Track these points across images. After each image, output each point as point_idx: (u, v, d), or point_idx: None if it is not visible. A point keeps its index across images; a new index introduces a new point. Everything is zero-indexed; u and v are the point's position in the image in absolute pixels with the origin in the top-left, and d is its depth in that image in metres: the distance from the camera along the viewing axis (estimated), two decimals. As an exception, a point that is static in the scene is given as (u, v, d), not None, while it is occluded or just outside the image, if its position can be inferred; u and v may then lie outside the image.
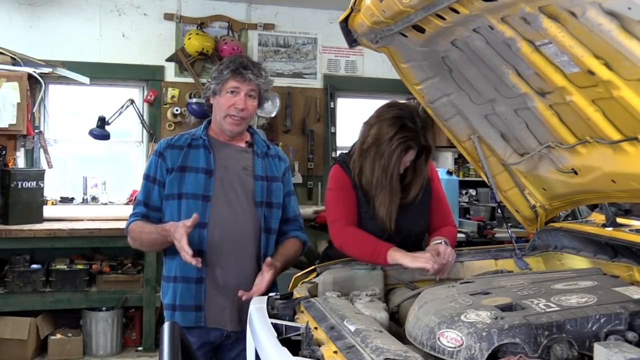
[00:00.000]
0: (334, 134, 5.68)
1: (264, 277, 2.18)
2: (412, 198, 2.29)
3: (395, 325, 1.80)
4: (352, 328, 1.49)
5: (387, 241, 2.18)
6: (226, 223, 2.23)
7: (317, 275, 2.10)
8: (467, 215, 5.46)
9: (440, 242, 2.17)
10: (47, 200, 4.74)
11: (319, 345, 1.46)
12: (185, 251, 2.04)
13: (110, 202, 5.08)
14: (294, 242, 2.40)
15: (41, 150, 4.93)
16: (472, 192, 5.71)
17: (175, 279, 2.26)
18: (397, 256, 2.09)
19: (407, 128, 2.15)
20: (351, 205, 2.30)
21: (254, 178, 2.30)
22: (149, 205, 2.30)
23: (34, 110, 4.85)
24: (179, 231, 2.07)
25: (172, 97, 5.26)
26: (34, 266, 4.40)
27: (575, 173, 2.01)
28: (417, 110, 2.23)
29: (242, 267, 2.24)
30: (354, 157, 2.29)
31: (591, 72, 1.49)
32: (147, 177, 2.31)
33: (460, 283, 1.75)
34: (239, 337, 2.21)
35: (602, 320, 1.37)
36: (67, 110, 5.26)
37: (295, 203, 2.48)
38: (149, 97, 5.21)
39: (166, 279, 2.32)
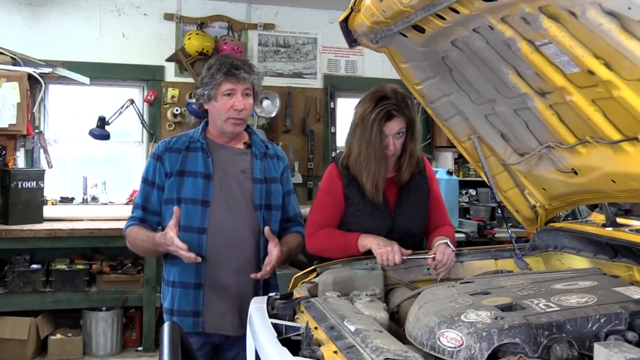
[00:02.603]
0: (334, 134, 5.68)
1: (273, 253, 2.18)
2: (404, 178, 2.31)
3: (395, 325, 1.80)
4: (352, 328, 1.49)
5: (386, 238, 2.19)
6: (226, 228, 2.22)
7: (317, 275, 2.09)
8: (467, 215, 5.45)
9: (445, 242, 2.19)
10: (47, 200, 4.74)
11: (319, 345, 1.46)
12: (181, 247, 2.07)
13: (110, 202, 5.08)
14: (296, 236, 2.40)
15: (41, 150, 4.93)
16: (472, 192, 5.71)
17: (174, 284, 2.26)
18: (367, 242, 2.16)
19: (386, 99, 2.20)
20: (333, 212, 2.32)
21: (253, 181, 2.29)
22: (148, 209, 2.30)
23: (34, 110, 4.84)
24: (168, 237, 2.09)
25: (172, 97, 5.26)
26: (34, 266, 4.40)
27: (575, 173, 2.01)
28: (399, 89, 2.26)
29: (241, 271, 2.23)
30: (345, 146, 2.34)
31: (591, 72, 1.49)
32: (145, 181, 2.30)
33: (460, 283, 1.74)
34: (239, 337, 2.21)
35: (602, 320, 1.37)
36: (67, 110, 5.26)
37: (295, 202, 2.48)
38: (149, 97, 5.21)
39: (166, 282, 2.32)
